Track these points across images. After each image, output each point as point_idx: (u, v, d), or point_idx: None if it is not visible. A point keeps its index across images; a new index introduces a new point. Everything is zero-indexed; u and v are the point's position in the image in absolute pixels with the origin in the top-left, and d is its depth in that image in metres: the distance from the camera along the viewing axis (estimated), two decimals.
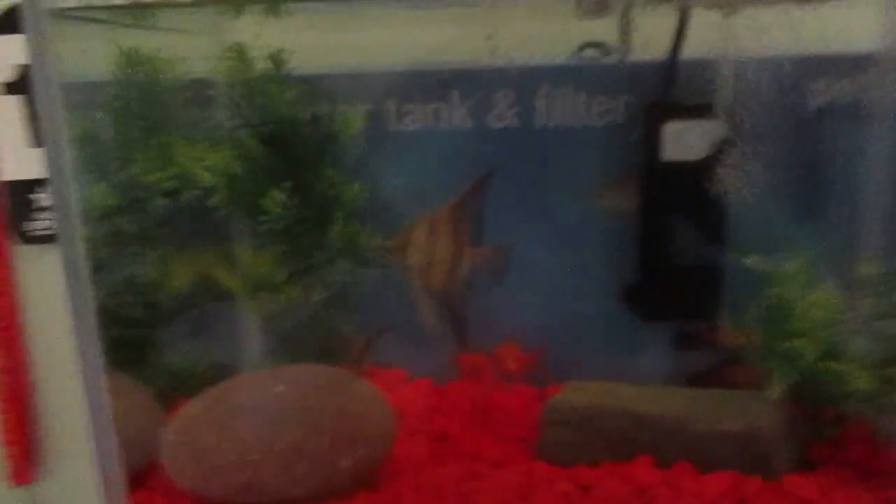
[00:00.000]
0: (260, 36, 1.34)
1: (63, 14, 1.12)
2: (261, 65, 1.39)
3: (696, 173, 1.37)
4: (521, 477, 1.25)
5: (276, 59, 1.39)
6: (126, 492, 1.12)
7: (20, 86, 1.07)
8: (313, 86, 1.47)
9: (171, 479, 1.18)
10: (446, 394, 1.54)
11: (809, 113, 1.41)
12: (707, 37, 1.39)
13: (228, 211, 1.40)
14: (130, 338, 1.45)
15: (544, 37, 1.59)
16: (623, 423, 1.26)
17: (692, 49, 1.40)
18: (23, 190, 1.61)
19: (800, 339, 1.20)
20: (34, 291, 1.91)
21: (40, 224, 1.39)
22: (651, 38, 1.45)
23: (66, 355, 1.22)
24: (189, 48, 1.43)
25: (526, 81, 1.49)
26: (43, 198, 1.16)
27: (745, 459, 1.19)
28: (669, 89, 1.40)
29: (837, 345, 1.22)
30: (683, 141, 1.38)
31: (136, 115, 1.38)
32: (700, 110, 1.36)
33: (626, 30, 1.53)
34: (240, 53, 1.35)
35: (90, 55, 1.40)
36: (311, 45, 1.48)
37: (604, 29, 1.53)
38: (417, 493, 1.20)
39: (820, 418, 1.29)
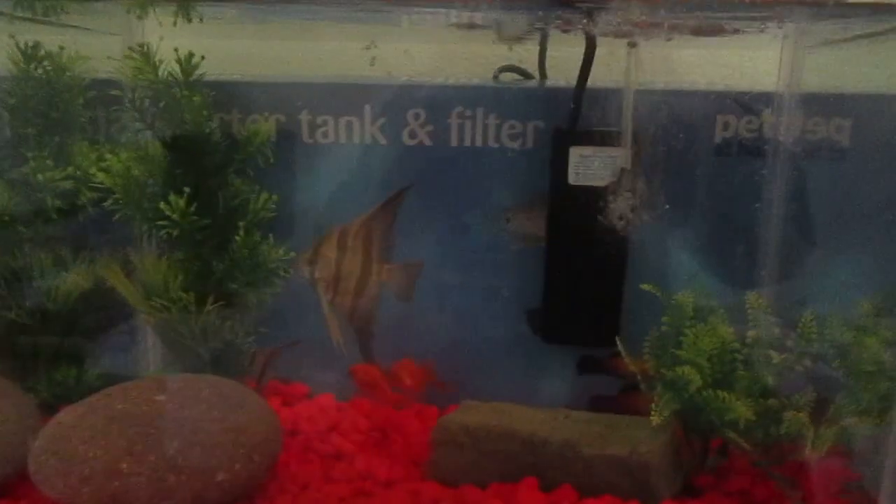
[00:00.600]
0: (165, 38, 1.32)
1: None
2: (169, 68, 1.37)
3: (600, 199, 1.40)
4: (408, 497, 1.23)
5: (185, 62, 1.37)
6: None
7: None
8: (224, 92, 1.46)
9: (37, 488, 1.13)
10: (346, 411, 1.52)
11: (711, 145, 1.44)
12: (616, 68, 1.42)
13: (126, 215, 1.36)
14: (16, 344, 1.40)
15: (463, 58, 1.62)
16: (512, 445, 1.25)
17: (601, 78, 1.42)
18: None
19: (686, 367, 1.21)
20: None
21: None
22: (566, 65, 1.48)
23: None
24: (95, 47, 1.41)
25: (439, 101, 1.50)
26: None
27: (630, 484, 1.20)
28: (576, 116, 1.42)
29: (724, 375, 1.24)
30: (587, 167, 1.40)
31: (32, 111, 1.34)
32: (604, 138, 1.39)
33: (542, 56, 1.57)
34: (144, 54, 1.33)
35: None
36: (224, 52, 1.47)
37: (526, 54, 1.57)
38: None
39: (705, 448, 1.30)
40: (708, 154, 1.44)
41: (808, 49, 1.39)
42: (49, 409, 1.33)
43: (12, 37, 1.31)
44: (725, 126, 1.45)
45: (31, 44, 1.32)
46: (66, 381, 1.40)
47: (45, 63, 1.35)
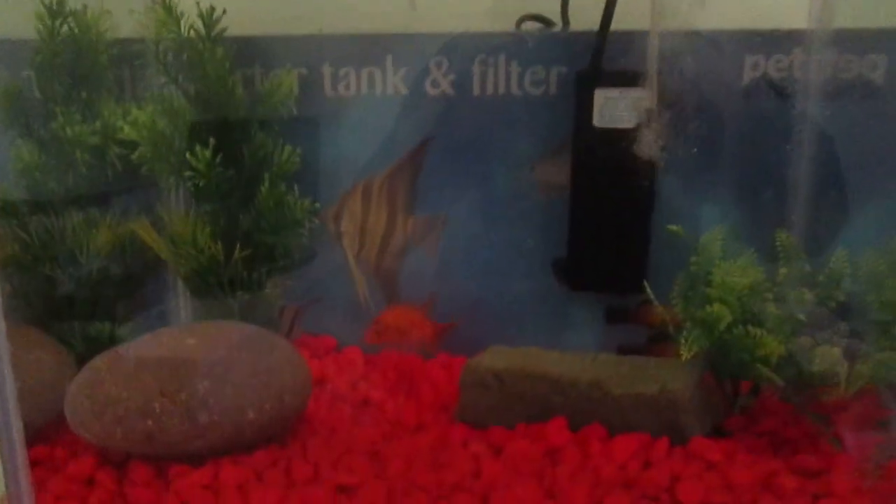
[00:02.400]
0: None
1: None
2: (191, 22, 1.38)
3: (626, 142, 1.37)
4: (437, 439, 1.24)
5: (206, 17, 1.38)
6: (23, 445, 1.09)
7: None
8: (245, 48, 1.46)
9: (74, 431, 1.16)
10: (374, 363, 1.53)
11: (739, 86, 1.41)
12: (639, 9, 1.40)
13: (152, 168, 1.38)
14: (55, 301, 1.43)
15: (484, 7, 1.60)
16: (540, 386, 1.25)
17: (626, 21, 1.40)
18: None
19: (716, 304, 1.19)
20: None
21: None
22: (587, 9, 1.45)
23: None
24: (118, 3, 1.42)
25: (461, 50, 1.49)
26: None
27: (659, 423, 1.19)
28: (600, 59, 1.40)
29: (753, 313, 1.22)
30: (613, 109, 1.38)
31: (58, 69, 1.36)
32: (630, 78, 1.36)
33: (564, 2, 1.54)
34: (167, 8, 1.34)
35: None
36: (246, 7, 1.47)
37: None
38: (326, 449, 1.19)
39: (735, 390, 1.29)
40: (736, 94, 1.41)
41: None
42: (84, 363, 1.36)
43: None
44: (754, 66, 1.41)
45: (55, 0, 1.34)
46: (99, 336, 1.43)
47: (70, 20, 1.36)
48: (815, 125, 1.40)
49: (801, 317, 1.19)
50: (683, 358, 1.16)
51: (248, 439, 1.15)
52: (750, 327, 1.17)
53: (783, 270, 1.22)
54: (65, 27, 1.36)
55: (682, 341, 1.18)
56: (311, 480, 1.12)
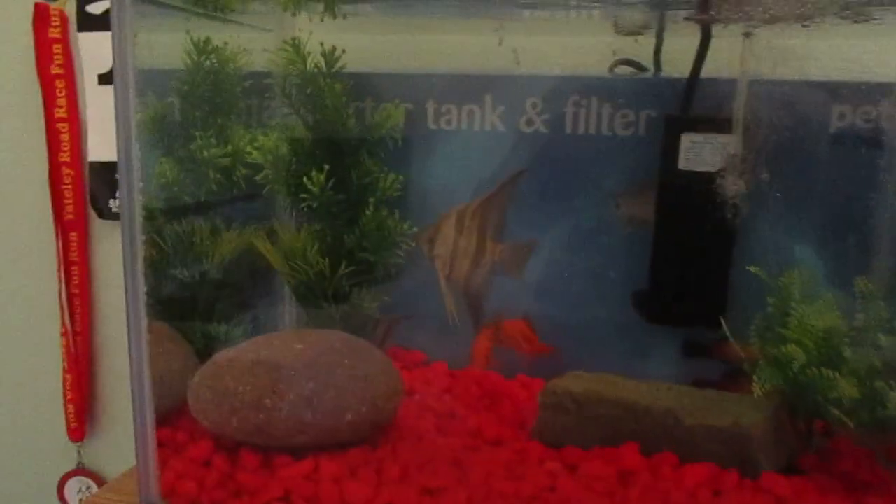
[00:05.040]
0: (314, 33, 1.49)
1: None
2: (315, 60, 1.54)
3: (709, 184, 1.44)
4: (514, 454, 1.33)
5: (329, 55, 1.54)
6: (153, 427, 1.26)
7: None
8: (358, 83, 1.62)
9: (194, 417, 1.32)
10: (459, 377, 1.63)
11: (824, 136, 1.45)
12: (730, 58, 1.47)
13: (273, 188, 1.55)
14: (181, 301, 1.61)
15: (579, 51, 1.70)
16: (615, 411, 1.32)
17: (715, 68, 1.47)
18: (107, 171, 1.85)
19: (791, 345, 1.24)
20: (107, 262, 2.12)
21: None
22: (679, 56, 1.53)
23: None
24: (252, 42, 1.61)
25: (556, 91, 1.59)
26: None
27: (730, 455, 1.24)
28: (688, 104, 1.47)
29: (829, 357, 1.26)
30: (698, 153, 1.45)
31: (199, 98, 1.55)
32: (716, 124, 1.43)
33: (658, 48, 1.63)
34: (295, 48, 1.50)
35: (167, 44, 1.58)
36: (362, 46, 1.63)
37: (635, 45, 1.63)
38: (412, 454, 1.30)
39: (809, 429, 1.32)
40: (821, 143, 1.45)
41: None
42: (202, 358, 1.53)
43: (188, 32, 1.52)
44: (841, 116, 1.46)
45: (202, 38, 1.52)
46: (217, 335, 1.60)
47: (213, 56, 1.55)
48: None
49: (877, 361, 1.22)
50: (756, 394, 1.21)
51: (344, 438, 1.27)
52: (823, 369, 1.21)
53: (861, 316, 1.26)
54: (208, 62, 1.55)
55: (755, 378, 1.23)
56: (399, 480, 1.23)
